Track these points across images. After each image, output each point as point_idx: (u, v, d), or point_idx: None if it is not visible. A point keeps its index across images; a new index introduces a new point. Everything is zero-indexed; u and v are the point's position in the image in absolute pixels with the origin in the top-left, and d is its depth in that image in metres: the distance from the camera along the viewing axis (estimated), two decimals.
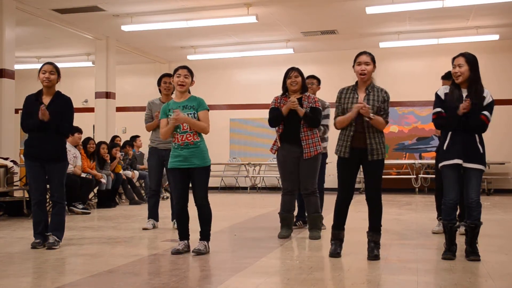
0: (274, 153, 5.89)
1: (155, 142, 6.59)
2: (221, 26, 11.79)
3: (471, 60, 4.57)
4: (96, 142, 9.94)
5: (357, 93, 4.65)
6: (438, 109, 4.65)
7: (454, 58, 4.65)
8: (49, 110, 5.14)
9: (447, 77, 6.00)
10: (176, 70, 4.94)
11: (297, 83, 5.74)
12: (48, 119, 5.09)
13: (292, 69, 5.81)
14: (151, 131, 6.65)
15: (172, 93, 6.57)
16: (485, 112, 4.51)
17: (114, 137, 11.73)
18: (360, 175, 4.75)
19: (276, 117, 5.72)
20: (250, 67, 15.28)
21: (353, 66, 4.69)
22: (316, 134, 5.76)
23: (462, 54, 4.62)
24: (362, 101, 4.56)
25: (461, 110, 4.46)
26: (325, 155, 6.51)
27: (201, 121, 4.82)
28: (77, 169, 8.79)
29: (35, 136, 5.24)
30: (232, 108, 15.26)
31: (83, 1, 10.41)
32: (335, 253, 4.68)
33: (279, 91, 5.90)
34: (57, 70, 5.32)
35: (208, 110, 4.92)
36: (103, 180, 9.52)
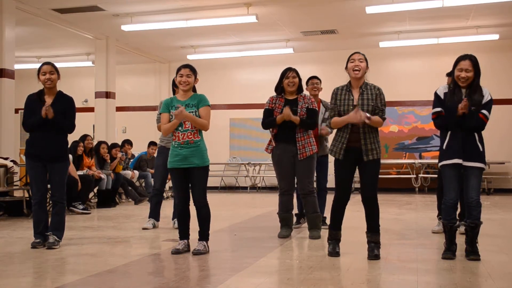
0: (269, 153, 5.88)
1: (164, 141, 6.60)
2: (221, 26, 11.79)
3: (477, 65, 4.54)
4: (96, 142, 9.93)
5: (352, 94, 4.64)
6: (438, 109, 4.64)
7: (459, 60, 4.57)
8: (53, 110, 5.15)
9: (452, 74, 6.00)
10: (178, 70, 4.93)
11: (295, 83, 5.71)
12: (52, 116, 5.10)
13: (290, 69, 5.77)
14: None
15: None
16: (484, 111, 4.50)
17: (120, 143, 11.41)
18: (356, 175, 4.74)
19: (269, 123, 5.72)
20: (250, 67, 15.27)
21: (346, 67, 4.68)
22: (311, 135, 5.75)
23: (469, 58, 4.55)
24: (357, 102, 4.56)
25: (460, 111, 4.45)
26: (327, 154, 6.50)
27: (202, 118, 4.82)
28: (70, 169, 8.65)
29: (36, 136, 5.24)
30: (232, 107, 15.25)
31: (83, 1, 10.41)
32: (334, 252, 4.68)
33: None
34: (56, 69, 5.33)
35: (209, 106, 4.91)
36: (103, 176, 9.49)
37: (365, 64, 4.63)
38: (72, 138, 8.81)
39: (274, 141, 5.77)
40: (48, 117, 5.09)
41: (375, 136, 4.61)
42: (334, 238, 4.74)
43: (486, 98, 4.54)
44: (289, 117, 5.52)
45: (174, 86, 6.63)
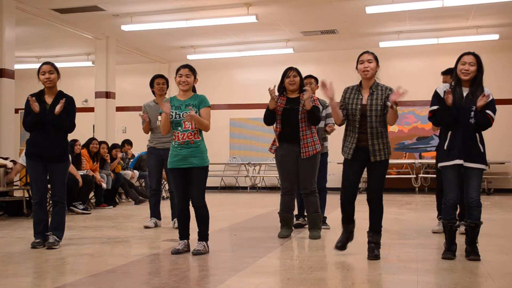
0: (273, 153, 5.88)
1: (153, 142, 6.65)
2: (221, 26, 11.79)
3: (480, 62, 4.56)
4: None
5: (361, 93, 4.64)
6: (435, 107, 4.64)
7: (463, 55, 4.60)
8: (53, 109, 5.17)
9: (447, 72, 6.01)
10: (178, 70, 4.94)
11: (295, 82, 5.73)
12: (39, 112, 5.12)
13: (291, 68, 5.80)
14: (149, 132, 6.74)
15: (165, 93, 6.78)
16: (488, 111, 4.49)
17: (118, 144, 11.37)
18: (364, 174, 4.74)
19: (267, 115, 5.70)
20: (250, 67, 15.27)
21: (356, 67, 4.68)
22: (315, 133, 5.75)
23: (473, 54, 4.58)
24: (366, 102, 4.56)
25: (449, 102, 4.44)
26: (326, 154, 6.51)
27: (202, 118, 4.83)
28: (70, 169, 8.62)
29: (37, 136, 5.25)
30: (232, 108, 15.25)
31: (83, 1, 10.41)
32: (341, 245, 4.72)
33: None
34: (55, 69, 5.34)
35: (210, 107, 4.93)
36: (104, 185, 9.53)
37: (374, 64, 4.62)
38: (71, 137, 8.85)
39: (277, 141, 5.77)
40: (35, 110, 5.10)
41: (383, 137, 4.60)
42: (346, 231, 4.77)
43: (489, 98, 4.52)
44: (273, 94, 5.50)
45: (152, 87, 6.78)
